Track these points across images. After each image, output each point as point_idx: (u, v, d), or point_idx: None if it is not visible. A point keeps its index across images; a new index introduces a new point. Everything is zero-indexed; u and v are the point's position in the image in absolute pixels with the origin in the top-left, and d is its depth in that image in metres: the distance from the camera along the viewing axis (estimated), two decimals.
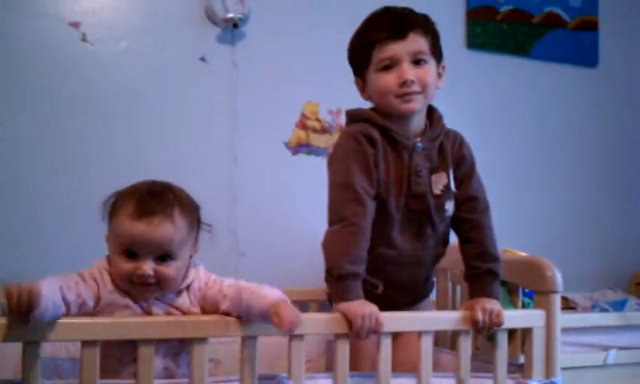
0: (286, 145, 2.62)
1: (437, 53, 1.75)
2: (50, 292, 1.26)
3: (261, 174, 2.58)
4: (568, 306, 2.56)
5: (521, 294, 1.88)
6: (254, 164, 2.56)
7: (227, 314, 1.43)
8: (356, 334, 1.48)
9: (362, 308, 1.50)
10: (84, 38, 2.36)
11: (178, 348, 1.51)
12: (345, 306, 1.51)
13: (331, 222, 1.64)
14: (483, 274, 1.72)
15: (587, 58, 3.22)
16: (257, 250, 2.51)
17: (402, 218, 1.70)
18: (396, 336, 1.65)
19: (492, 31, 3.00)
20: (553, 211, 3.07)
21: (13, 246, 2.23)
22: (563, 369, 1.76)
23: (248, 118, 2.56)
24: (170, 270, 1.44)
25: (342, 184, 1.64)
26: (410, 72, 1.65)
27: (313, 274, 2.09)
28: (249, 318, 1.40)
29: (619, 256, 3.14)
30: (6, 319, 1.23)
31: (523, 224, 2.95)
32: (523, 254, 1.92)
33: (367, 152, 1.65)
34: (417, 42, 1.67)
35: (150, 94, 2.44)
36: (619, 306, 2.50)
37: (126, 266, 1.43)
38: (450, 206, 1.76)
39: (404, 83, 1.65)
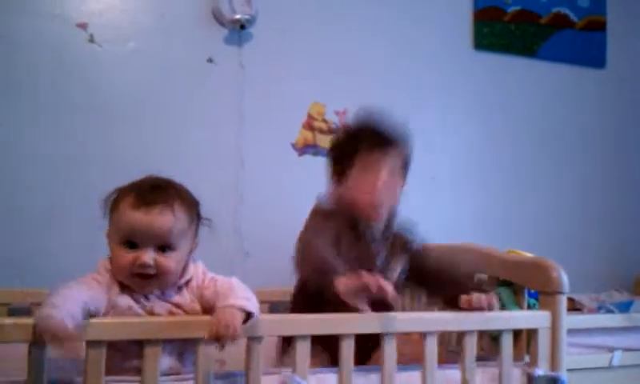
0: (293, 146, 2.62)
1: (405, 170, 1.91)
2: (73, 309, 1.27)
3: (267, 175, 2.58)
4: (574, 307, 2.56)
5: (526, 295, 1.88)
6: (260, 165, 2.57)
7: None
8: (368, 290, 1.49)
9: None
10: (92, 39, 2.37)
11: (183, 347, 1.52)
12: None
13: (299, 250, 1.75)
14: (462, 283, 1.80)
15: (595, 58, 3.22)
16: (262, 250, 2.51)
17: None
18: None
19: (499, 32, 2.99)
20: (559, 212, 3.06)
21: (16, 246, 2.24)
22: (568, 370, 1.76)
23: (255, 118, 2.57)
24: (169, 261, 1.46)
25: (313, 232, 1.79)
26: (384, 181, 1.80)
27: None
28: None
29: (625, 257, 3.13)
30: (11, 319, 1.25)
31: (529, 224, 2.95)
32: (529, 254, 1.92)
33: (331, 227, 1.79)
34: (395, 157, 1.84)
35: (158, 94, 2.45)
36: (625, 308, 2.49)
37: (127, 255, 1.44)
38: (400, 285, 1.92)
39: (380, 187, 1.78)
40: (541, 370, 1.70)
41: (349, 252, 1.77)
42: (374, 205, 1.81)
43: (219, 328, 1.31)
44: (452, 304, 1.77)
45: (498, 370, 1.68)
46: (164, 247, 1.46)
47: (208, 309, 1.49)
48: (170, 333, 1.38)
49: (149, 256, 1.43)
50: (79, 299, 1.31)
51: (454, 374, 1.65)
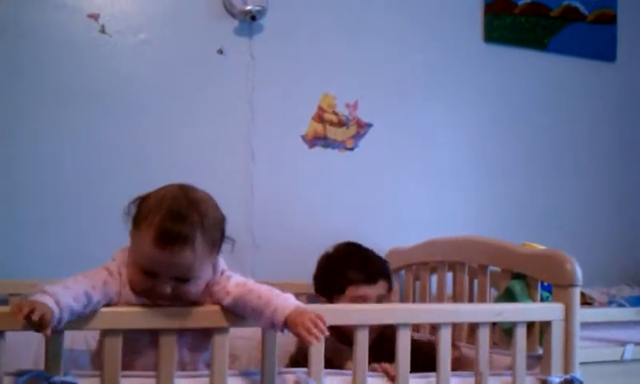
0: (303, 138, 2.61)
1: (389, 290, 2.06)
2: (67, 299, 1.26)
3: (277, 167, 2.58)
4: (584, 301, 2.54)
5: (539, 288, 1.87)
6: (270, 157, 2.56)
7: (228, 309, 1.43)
8: None
9: None
10: (103, 30, 2.37)
11: (196, 343, 1.52)
12: None
13: None
14: None
15: (605, 51, 3.20)
16: (273, 243, 2.51)
17: None
18: None
19: (510, 25, 2.98)
20: (569, 205, 3.05)
21: (29, 237, 2.25)
22: (580, 364, 1.75)
23: (265, 110, 2.56)
24: (188, 288, 1.43)
25: None
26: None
27: None
28: (255, 323, 1.41)
29: (636, 252, 3.12)
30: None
31: (540, 218, 2.94)
32: (542, 247, 1.91)
33: None
34: (381, 287, 1.99)
35: (168, 85, 2.44)
36: (636, 302, 2.48)
37: (145, 281, 1.41)
38: None
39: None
40: (556, 378, 1.70)
41: None
42: None
43: (313, 330, 1.31)
44: None
45: (510, 377, 1.68)
46: (182, 278, 1.42)
47: (214, 301, 1.47)
48: (187, 322, 1.38)
49: (167, 287, 1.40)
50: (76, 289, 1.30)
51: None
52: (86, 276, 1.37)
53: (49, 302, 1.22)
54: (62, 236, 2.28)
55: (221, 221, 1.50)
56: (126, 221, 1.48)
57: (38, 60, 2.29)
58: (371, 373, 1.55)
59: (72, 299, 1.27)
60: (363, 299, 1.95)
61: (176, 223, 1.38)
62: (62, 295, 1.26)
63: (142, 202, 1.46)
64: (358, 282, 1.97)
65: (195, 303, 1.45)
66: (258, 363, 1.46)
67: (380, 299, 1.98)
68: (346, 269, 2.00)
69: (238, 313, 1.42)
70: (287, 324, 1.33)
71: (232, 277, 1.50)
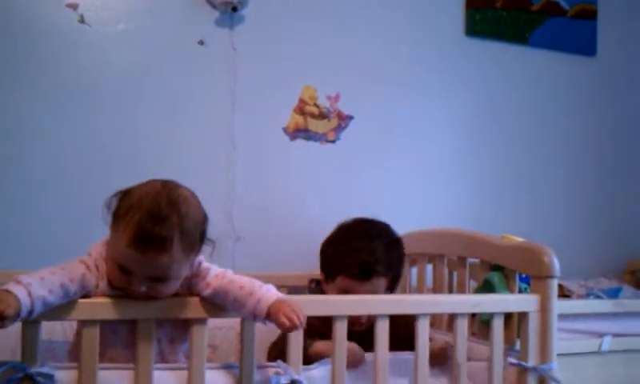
0: (284, 130, 2.61)
1: (393, 285, 1.96)
2: (39, 290, 1.25)
3: (259, 159, 2.57)
4: (562, 293, 2.57)
5: (518, 280, 1.88)
6: (251, 149, 2.55)
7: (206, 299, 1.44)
8: None
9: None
10: (82, 20, 2.35)
11: (175, 335, 1.51)
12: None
13: None
14: None
15: (586, 46, 3.22)
16: (253, 235, 2.50)
17: None
18: None
19: (491, 18, 2.99)
20: (549, 199, 3.07)
21: (20, 232, 2.23)
22: (558, 355, 1.77)
23: (246, 102, 2.55)
24: (163, 288, 1.41)
25: None
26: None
27: (308, 259, 2.11)
28: (237, 313, 1.42)
29: (615, 245, 3.15)
30: None
31: (520, 212, 2.96)
32: (520, 239, 1.93)
33: None
34: (376, 285, 1.88)
35: (148, 76, 2.42)
36: (614, 294, 2.51)
37: (122, 278, 1.40)
38: None
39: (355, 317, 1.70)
40: (528, 364, 1.71)
41: None
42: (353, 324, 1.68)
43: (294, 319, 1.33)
44: None
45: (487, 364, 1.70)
46: (158, 278, 1.40)
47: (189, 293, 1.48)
48: (166, 313, 1.38)
49: (141, 285, 1.38)
50: (52, 281, 1.29)
51: None
52: (63, 268, 1.36)
53: (20, 292, 1.21)
54: (42, 226, 2.26)
55: (201, 222, 1.47)
56: (105, 213, 1.45)
57: (15, 50, 2.26)
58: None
59: (47, 291, 1.27)
60: (351, 292, 1.87)
61: (155, 225, 1.36)
62: (36, 287, 1.25)
63: (123, 198, 1.44)
64: (349, 274, 1.89)
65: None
66: (237, 353, 1.46)
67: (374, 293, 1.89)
68: (341, 256, 1.92)
69: (217, 303, 1.42)
70: (269, 315, 1.35)
71: (211, 269, 1.49)
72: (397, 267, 1.96)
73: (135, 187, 1.45)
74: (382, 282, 1.90)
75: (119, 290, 1.41)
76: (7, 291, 1.21)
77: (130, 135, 2.38)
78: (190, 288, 1.48)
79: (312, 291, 2.05)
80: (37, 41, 2.29)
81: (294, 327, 1.33)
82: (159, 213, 1.37)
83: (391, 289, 1.95)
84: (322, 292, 1.97)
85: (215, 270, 1.48)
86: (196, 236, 1.44)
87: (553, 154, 3.11)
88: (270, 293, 1.40)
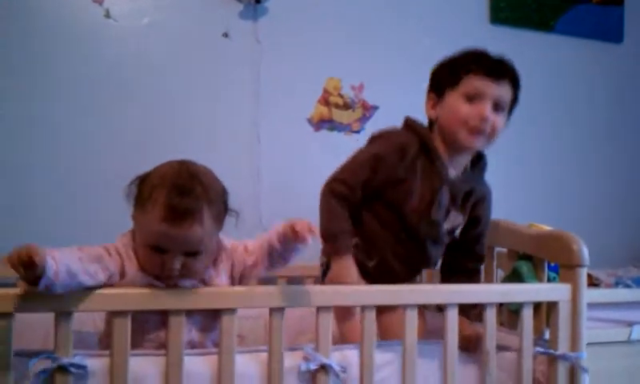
0: (309, 121, 2.61)
1: (512, 107, 1.85)
2: (64, 258, 1.26)
3: (283, 151, 2.58)
4: (591, 282, 2.54)
5: (546, 269, 1.87)
6: (276, 140, 2.56)
7: (253, 267, 1.53)
8: None
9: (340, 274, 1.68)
10: (107, 14, 2.36)
11: (206, 322, 1.53)
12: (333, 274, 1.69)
13: (333, 179, 1.81)
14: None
15: (612, 33, 3.18)
16: None
17: (406, 234, 1.80)
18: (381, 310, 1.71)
19: (516, 6, 2.96)
20: (577, 187, 3.05)
21: (33, 220, 2.26)
22: (587, 344, 1.76)
23: (271, 94, 2.56)
24: (197, 263, 1.45)
25: (363, 160, 1.78)
26: (490, 112, 1.74)
27: None
28: (271, 259, 1.51)
29: None
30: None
31: (546, 199, 2.94)
32: (549, 228, 1.91)
33: (387, 161, 1.76)
34: (506, 91, 1.78)
35: (173, 70, 2.44)
36: None
37: (155, 258, 1.42)
38: (446, 240, 1.88)
39: (482, 119, 1.73)
40: (559, 352, 1.70)
41: (411, 182, 1.76)
42: (475, 130, 1.75)
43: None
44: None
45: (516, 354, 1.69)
46: (192, 252, 1.44)
47: (238, 270, 1.55)
48: (196, 303, 1.39)
49: (177, 261, 1.41)
50: (75, 253, 1.32)
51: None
52: (81, 248, 1.39)
53: (43, 253, 1.21)
54: (73, 218, 2.29)
55: (223, 192, 1.53)
56: (127, 202, 1.49)
57: (43, 45, 2.29)
58: (380, 344, 1.57)
59: (69, 260, 1.27)
60: (478, 97, 1.74)
61: (182, 198, 1.40)
62: (59, 254, 1.25)
63: (143, 182, 1.47)
64: (478, 72, 1.75)
65: (202, 280, 1.48)
66: (264, 343, 1.47)
67: (499, 105, 1.77)
68: (468, 57, 1.79)
69: (260, 262, 1.54)
70: (285, 227, 1.45)
71: (248, 242, 1.59)
72: (519, 84, 1.86)
73: (151, 171, 1.48)
74: (509, 92, 1.80)
75: (152, 276, 1.43)
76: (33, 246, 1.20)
77: (154, 128, 2.40)
78: (234, 266, 1.55)
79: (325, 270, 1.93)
80: (64, 36, 2.31)
81: (306, 235, 1.41)
82: (184, 186, 1.42)
83: (511, 108, 1.86)
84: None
85: (251, 241, 1.59)
86: (221, 206, 1.50)
87: (580, 142, 3.08)
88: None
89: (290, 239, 1.43)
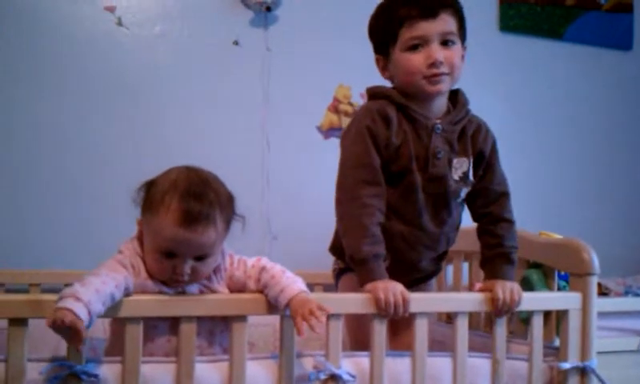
0: (319, 129, 2.62)
1: (463, 34, 1.71)
2: (97, 311, 1.27)
3: (293, 158, 2.59)
4: (600, 291, 2.54)
5: (556, 277, 1.87)
6: (286, 148, 2.57)
7: (252, 292, 1.49)
8: (384, 311, 1.48)
9: (388, 286, 1.51)
10: (119, 22, 2.39)
11: (213, 327, 1.53)
12: (371, 285, 1.52)
13: (340, 202, 1.63)
14: (498, 257, 1.71)
15: (622, 41, 3.18)
16: (289, 234, 2.52)
17: (420, 197, 1.67)
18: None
19: (525, 14, 2.97)
20: (587, 196, 3.04)
21: (40, 223, 2.28)
22: (597, 353, 1.75)
23: (280, 101, 2.57)
24: (205, 266, 1.45)
25: (355, 163, 1.62)
26: (439, 53, 1.61)
27: None
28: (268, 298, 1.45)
29: None
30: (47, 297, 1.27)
31: (557, 208, 2.93)
32: (559, 236, 1.91)
33: (379, 131, 1.62)
34: (447, 22, 1.63)
35: (184, 77, 2.46)
36: None
37: (165, 263, 1.42)
38: (464, 193, 1.74)
39: (433, 64, 1.61)
40: (567, 364, 1.69)
41: (405, 147, 1.63)
42: (433, 76, 1.62)
43: (311, 321, 1.33)
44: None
45: (526, 363, 1.68)
46: (203, 256, 1.45)
47: (237, 288, 1.52)
48: (207, 310, 1.40)
49: (188, 266, 1.42)
50: (105, 292, 1.29)
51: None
52: (108, 274, 1.35)
53: (81, 312, 1.22)
54: (79, 226, 2.31)
55: (231, 197, 1.52)
56: (135, 207, 1.49)
57: (56, 53, 2.31)
58: (391, 352, 1.56)
59: (101, 304, 1.28)
60: (421, 43, 1.61)
61: (196, 203, 1.41)
62: (94, 303, 1.25)
63: (151, 188, 1.47)
64: (411, 19, 1.61)
65: (207, 286, 1.49)
66: (274, 350, 1.47)
67: (447, 40, 1.63)
68: (396, 5, 1.64)
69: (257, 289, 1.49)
70: (289, 307, 1.38)
71: (248, 260, 1.54)
72: (461, 4, 1.70)
73: (159, 177, 1.48)
74: (451, 20, 1.65)
75: (159, 281, 1.44)
76: (71, 312, 1.21)
77: (165, 135, 2.42)
78: (232, 281, 1.53)
79: (338, 275, 1.86)
80: (76, 44, 2.34)
81: (306, 328, 1.33)
82: (196, 191, 1.42)
83: (463, 34, 1.71)
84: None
85: (251, 261, 1.54)
86: (230, 211, 1.50)
87: (590, 150, 3.07)
88: (294, 285, 1.42)
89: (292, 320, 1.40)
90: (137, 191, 1.49)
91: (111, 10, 2.37)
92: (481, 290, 1.68)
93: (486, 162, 1.76)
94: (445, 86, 1.66)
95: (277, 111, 2.56)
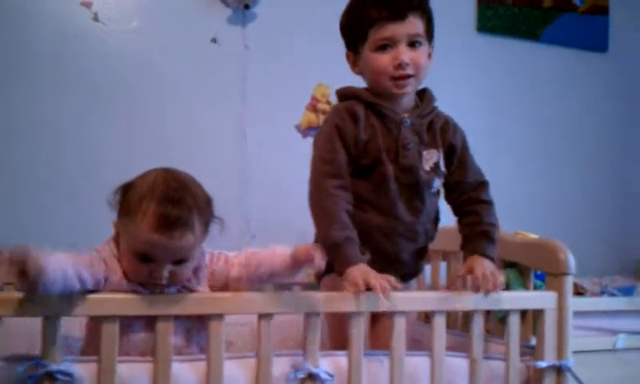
0: (297, 127, 2.62)
1: (430, 34, 1.75)
2: (61, 265, 1.26)
3: (271, 157, 2.58)
4: (576, 290, 2.56)
5: (532, 277, 1.88)
6: (264, 147, 2.56)
7: (237, 280, 1.50)
8: (358, 294, 1.50)
9: (365, 269, 1.54)
10: (96, 18, 2.36)
11: (190, 327, 1.52)
12: (347, 270, 1.55)
13: (311, 194, 1.70)
14: (477, 235, 1.75)
15: (597, 42, 3.22)
16: (267, 233, 2.51)
17: (393, 187, 1.71)
18: (376, 318, 1.70)
19: (503, 15, 2.99)
20: (561, 195, 3.07)
21: (34, 222, 2.25)
22: (573, 353, 1.76)
23: (258, 99, 2.56)
24: (184, 271, 1.44)
25: (322, 159, 1.69)
26: (405, 54, 1.67)
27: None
28: (260, 279, 1.49)
29: (628, 242, 3.14)
30: (18, 291, 1.25)
31: (532, 208, 2.96)
32: (535, 236, 1.92)
33: (348, 129, 1.68)
34: (414, 25, 1.68)
35: (161, 74, 2.44)
36: (628, 292, 2.50)
37: (142, 267, 1.41)
38: (437, 184, 1.79)
39: (399, 65, 1.67)
40: (544, 363, 1.70)
41: (374, 141, 1.69)
42: (399, 78, 1.68)
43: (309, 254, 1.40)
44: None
45: (503, 363, 1.69)
46: (180, 260, 1.44)
47: (220, 284, 1.52)
48: (184, 309, 1.38)
49: (165, 271, 1.40)
50: (68, 258, 1.30)
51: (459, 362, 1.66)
52: (74, 255, 1.37)
53: (48, 259, 1.22)
54: (59, 225, 2.28)
55: (209, 200, 1.52)
56: (111, 210, 1.47)
57: (31, 48, 2.28)
58: (369, 352, 1.56)
59: (65, 265, 1.28)
60: (389, 44, 1.67)
61: (174, 208, 1.39)
62: (55, 258, 1.26)
63: (128, 191, 1.45)
64: (380, 20, 1.66)
65: (186, 287, 1.47)
66: (252, 349, 1.46)
67: (414, 42, 1.69)
68: (365, 6, 1.69)
69: (245, 277, 1.50)
70: (294, 251, 1.46)
71: (228, 254, 1.56)
72: (429, 5, 1.75)
73: (136, 179, 1.46)
74: (418, 22, 1.69)
75: (136, 283, 1.42)
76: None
77: (142, 132, 2.40)
78: (213, 277, 1.53)
79: (321, 276, 1.85)
80: (52, 39, 2.31)
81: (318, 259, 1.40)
82: (174, 195, 1.41)
83: (430, 35, 1.75)
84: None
85: (231, 253, 1.57)
86: (208, 214, 1.49)
87: (566, 151, 3.10)
88: (282, 248, 1.50)
89: (301, 263, 1.44)
90: (113, 194, 1.47)
91: (87, 5, 2.35)
92: (461, 275, 1.69)
93: (457, 156, 1.82)
94: (410, 88, 1.73)
95: (255, 109, 2.55)
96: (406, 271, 1.80)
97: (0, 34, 2.25)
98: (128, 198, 1.44)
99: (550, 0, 3.10)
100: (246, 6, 2.50)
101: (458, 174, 1.82)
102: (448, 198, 1.84)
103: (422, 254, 1.86)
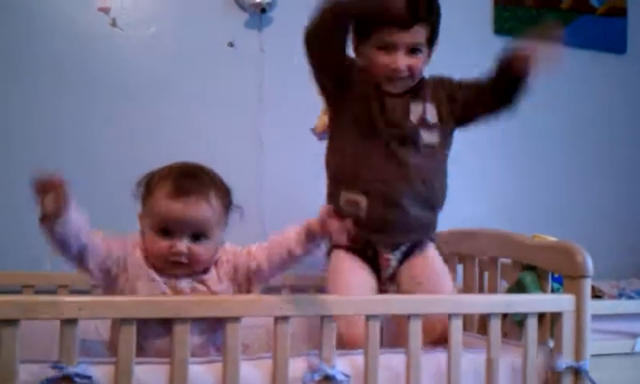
0: (313, 131, 2.62)
1: (432, 42, 1.85)
2: (79, 218, 1.36)
3: (287, 160, 2.58)
4: (594, 294, 2.54)
5: (550, 280, 1.87)
6: (280, 150, 2.57)
7: (258, 272, 1.54)
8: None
9: None
10: (114, 23, 2.38)
11: (205, 328, 1.53)
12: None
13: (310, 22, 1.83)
14: None
15: (616, 44, 3.19)
16: None
17: (383, 130, 1.81)
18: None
19: (520, 17, 2.97)
20: (581, 199, 3.05)
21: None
22: (591, 356, 1.76)
23: (274, 103, 2.56)
24: (202, 249, 1.48)
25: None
26: (402, 61, 1.78)
27: None
28: (281, 264, 1.53)
29: None
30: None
31: (549, 210, 2.94)
32: (552, 239, 1.91)
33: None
34: (417, 34, 1.77)
35: (178, 79, 2.45)
36: None
37: (162, 243, 1.46)
38: (427, 136, 1.85)
39: (395, 70, 1.77)
40: (562, 365, 1.69)
41: (380, 114, 1.81)
42: (393, 78, 1.81)
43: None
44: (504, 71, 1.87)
45: (521, 358, 1.68)
46: (198, 235, 1.47)
47: (243, 279, 1.56)
48: (201, 312, 1.39)
49: (183, 244, 1.46)
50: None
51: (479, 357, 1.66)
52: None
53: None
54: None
55: (228, 189, 1.58)
56: (137, 199, 1.54)
57: (50, 53, 2.30)
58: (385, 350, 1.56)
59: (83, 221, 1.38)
60: (390, 47, 1.77)
61: (189, 179, 1.48)
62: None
63: (149, 178, 1.54)
64: (388, 23, 1.72)
65: (210, 288, 1.52)
66: (269, 351, 1.47)
67: (414, 49, 1.78)
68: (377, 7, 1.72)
69: (268, 262, 1.54)
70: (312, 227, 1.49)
71: (251, 246, 1.60)
72: (437, 16, 1.86)
73: (156, 169, 1.55)
74: (422, 31, 1.79)
75: (153, 270, 1.47)
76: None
77: (159, 136, 2.41)
78: (236, 272, 1.56)
79: (328, 253, 1.96)
80: (70, 44, 2.33)
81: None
82: (191, 171, 1.51)
83: (433, 40, 1.86)
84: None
85: (246, 246, 1.60)
86: (226, 197, 1.55)
87: (585, 153, 3.08)
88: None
89: (316, 235, 1.48)
90: (136, 186, 1.55)
91: (105, 10, 2.36)
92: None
93: (459, 91, 1.94)
94: (401, 86, 1.84)
95: (271, 113, 2.55)
96: (408, 221, 1.85)
97: (16, 37, 2.27)
98: (148, 183, 1.52)
99: (568, 2, 3.08)
100: (263, 10, 2.51)
101: (472, 92, 1.94)
102: (487, 104, 1.96)
103: (428, 208, 1.89)
